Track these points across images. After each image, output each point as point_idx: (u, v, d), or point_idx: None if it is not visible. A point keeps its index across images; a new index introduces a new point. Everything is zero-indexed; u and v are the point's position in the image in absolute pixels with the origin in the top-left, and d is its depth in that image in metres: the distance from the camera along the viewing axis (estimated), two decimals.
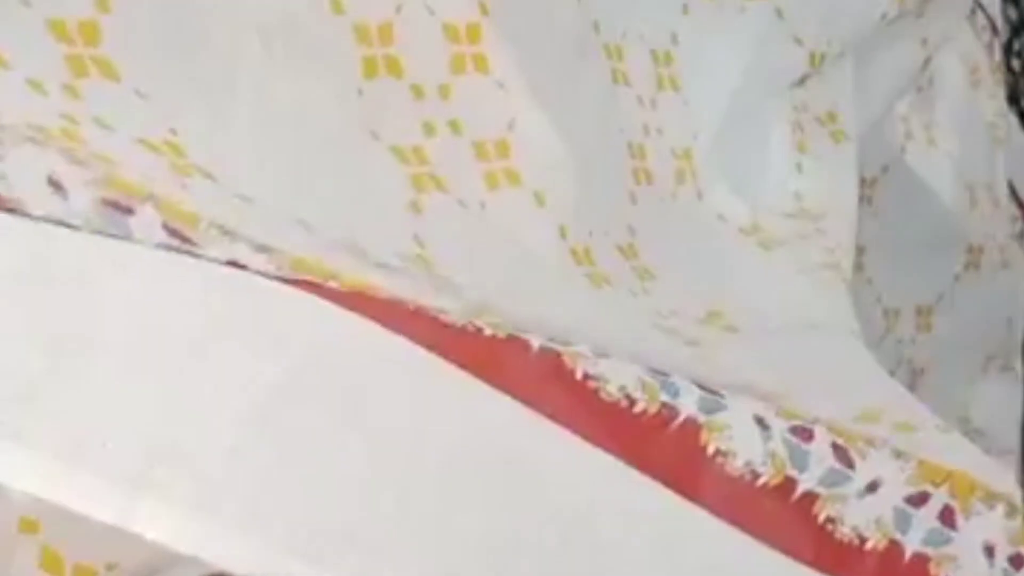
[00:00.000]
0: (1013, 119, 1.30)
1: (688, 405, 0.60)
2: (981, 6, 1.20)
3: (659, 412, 0.59)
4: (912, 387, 1.17)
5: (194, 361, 0.51)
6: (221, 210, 0.55)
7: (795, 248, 0.85)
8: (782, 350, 0.73)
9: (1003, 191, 1.21)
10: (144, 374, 0.51)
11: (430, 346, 0.55)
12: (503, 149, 0.71)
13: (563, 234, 0.72)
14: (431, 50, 0.70)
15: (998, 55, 1.24)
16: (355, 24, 0.68)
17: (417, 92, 0.69)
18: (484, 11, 0.71)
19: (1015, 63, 1.39)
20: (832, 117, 0.93)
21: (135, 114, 0.59)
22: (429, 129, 0.69)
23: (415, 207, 0.67)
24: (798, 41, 0.89)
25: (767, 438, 0.61)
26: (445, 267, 0.63)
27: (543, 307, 0.64)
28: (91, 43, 0.59)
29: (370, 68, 0.68)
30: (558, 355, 0.58)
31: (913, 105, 1.11)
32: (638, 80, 0.81)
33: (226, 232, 0.54)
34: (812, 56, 0.90)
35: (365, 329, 0.54)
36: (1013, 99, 1.33)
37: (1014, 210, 1.27)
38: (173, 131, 0.59)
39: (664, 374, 0.60)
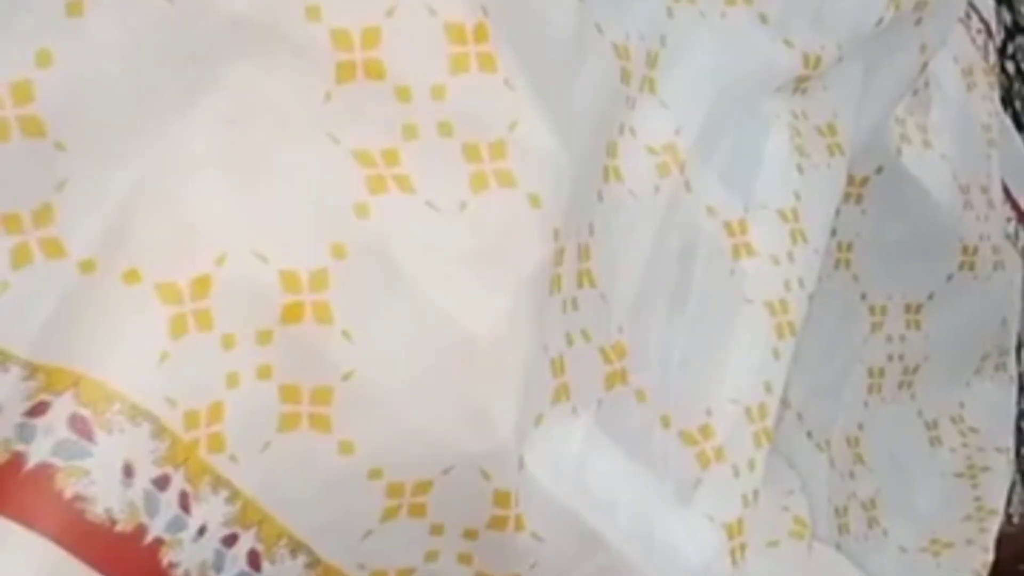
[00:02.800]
0: (1007, 121, 1.31)
1: (42, 451, 0.61)
2: (976, 9, 1.21)
3: (10, 460, 0.61)
4: (905, 384, 1.18)
5: None
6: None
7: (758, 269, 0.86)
8: None
9: (997, 192, 1.22)
10: None
11: None
12: (499, 150, 0.72)
13: (556, 237, 0.73)
14: (426, 51, 0.71)
15: (992, 58, 1.25)
16: (333, 30, 0.69)
17: (402, 94, 0.70)
18: (485, 12, 0.72)
19: (1009, 66, 1.40)
20: (832, 129, 0.95)
21: None
22: (410, 131, 0.70)
23: (362, 210, 0.68)
24: (788, 43, 0.90)
25: (128, 485, 0.62)
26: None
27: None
28: None
29: (345, 72, 0.69)
30: None
31: (909, 107, 1.12)
32: (634, 80, 0.82)
33: (134, 416, 0.61)
34: (806, 58, 0.91)
35: None
36: (1007, 101, 1.34)
37: (1008, 211, 1.28)
38: None
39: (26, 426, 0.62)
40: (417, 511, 0.69)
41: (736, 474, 0.83)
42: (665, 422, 0.81)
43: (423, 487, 0.69)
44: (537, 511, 0.72)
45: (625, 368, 0.80)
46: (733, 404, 0.84)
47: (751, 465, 0.84)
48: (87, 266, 0.64)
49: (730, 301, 0.86)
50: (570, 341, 0.76)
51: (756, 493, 0.84)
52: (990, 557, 1.20)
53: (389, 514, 0.69)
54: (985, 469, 1.24)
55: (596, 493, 0.76)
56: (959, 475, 1.23)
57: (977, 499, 1.23)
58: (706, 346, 0.84)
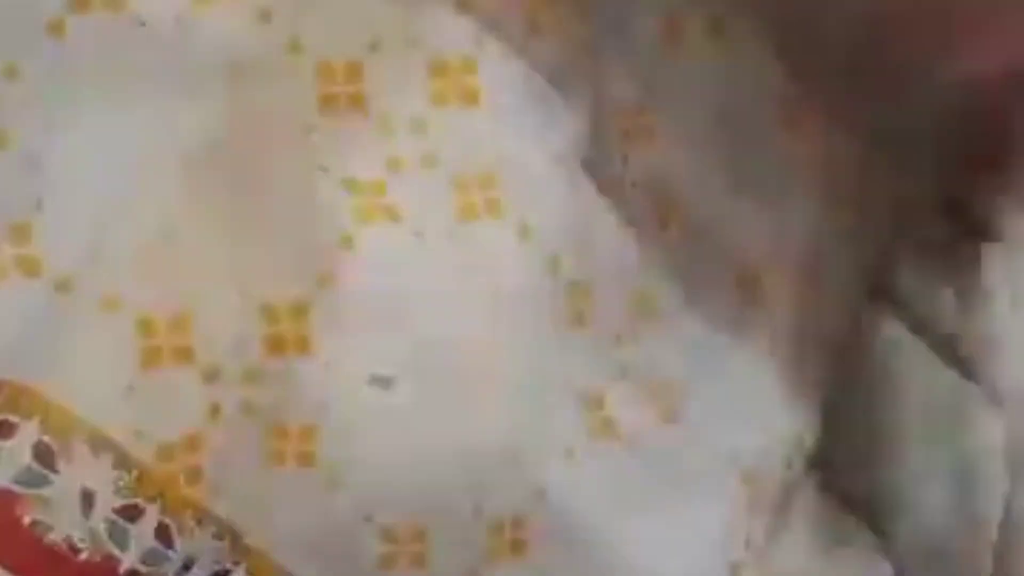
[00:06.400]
0: None
1: (4, 476, 0.62)
2: None
3: None
4: None
5: None
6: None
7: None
8: None
9: None
10: None
11: None
12: (487, 181, 0.71)
13: (553, 266, 0.72)
14: (408, 84, 0.70)
15: None
16: (317, 64, 0.68)
17: (383, 127, 0.69)
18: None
19: None
20: None
21: None
22: (395, 163, 0.69)
23: (346, 240, 0.67)
24: None
25: (88, 515, 0.62)
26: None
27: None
28: None
29: (328, 104, 0.68)
30: None
31: None
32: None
33: (96, 445, 0.62)
34: None
35: None
36: None
37: None
38: None
39: None
40: (416, 560, 0.68)
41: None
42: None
43: (419, 534, 0.67)
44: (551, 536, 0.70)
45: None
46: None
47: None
48: (64, 286, 0.64)
49: None
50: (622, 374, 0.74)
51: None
52: None
53: (386, 561, 0.67)
54: None
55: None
56: None
57: None
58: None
